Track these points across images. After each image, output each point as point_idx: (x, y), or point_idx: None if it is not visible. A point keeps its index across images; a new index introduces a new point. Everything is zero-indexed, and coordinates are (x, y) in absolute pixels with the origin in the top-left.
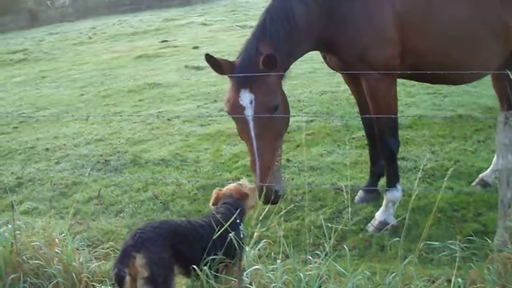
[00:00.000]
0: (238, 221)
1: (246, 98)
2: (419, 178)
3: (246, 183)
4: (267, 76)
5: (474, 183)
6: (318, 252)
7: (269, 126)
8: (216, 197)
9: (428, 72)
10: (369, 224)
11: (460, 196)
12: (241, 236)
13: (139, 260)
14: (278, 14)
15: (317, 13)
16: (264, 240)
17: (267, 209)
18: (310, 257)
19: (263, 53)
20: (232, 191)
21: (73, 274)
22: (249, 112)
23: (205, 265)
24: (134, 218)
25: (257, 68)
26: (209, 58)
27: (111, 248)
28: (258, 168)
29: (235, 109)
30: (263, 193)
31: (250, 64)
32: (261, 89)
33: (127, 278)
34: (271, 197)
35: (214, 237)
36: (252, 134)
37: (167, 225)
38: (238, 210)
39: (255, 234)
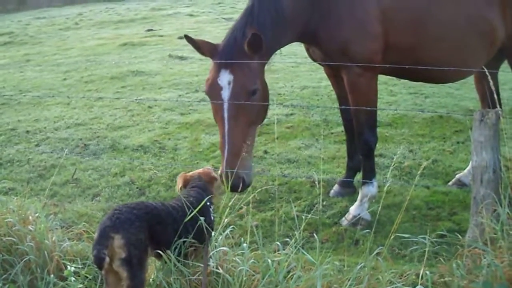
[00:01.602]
0: (208, 204)
1: (225, 78)
2: (396, 176)
3: (211, 170)
4: (250, 60)
5: (450, 183)
6: (287, 239)
7: (244, 110)
8: (185, 181)
9: (407, 66)
10: (343, 218)
11: (436, 195)
12: (211, 219)
13: (118, 241)
14: (266, 1)
15: (303, 3)
16: (232, 226)
17: (236, 197)
18: (278, 243)
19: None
20: (201, 174)
21: (45, 252)
22: (225, 93)
23: (175, 248)
24: (110, 202)
25: (241, 51)
26: (189, 39)
27: (84, 229)
28: (226, 152)
29: (213, 89)
30: (229, 179)
31: (235, 46)
32: (242, 71)
33: (107, 259)
34: (237, 184)
35: (186, 219)
36: (226, 115)
37: (144, 206)
38: (209, 194)
39: (225, 220)
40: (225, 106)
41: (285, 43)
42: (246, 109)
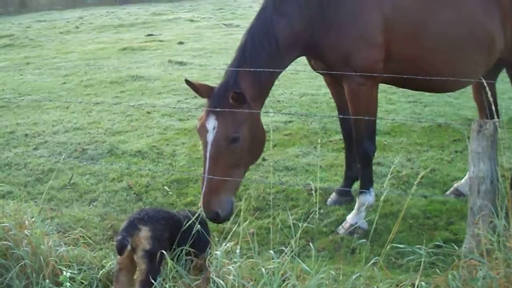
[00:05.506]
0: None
1: (211, 123)
2: (393, 185)
3: None
4: (237, 108)
5: (448, 193)
6: (283, 248)
7: (224, 154)
8: None
9: (404, 76)
10: (340, 227)
11: (434, 204)
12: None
13: (144, 233)
14: (259, 34)
15: (301, 25)
16: (230, 237)
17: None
18: (272, 251)
19: (240, 84)
20: None
21: (41, 257)
22: (210, 136)
23: (178, 256)
24: (107, 208)
25: (228, 99)
26: (188, 83)
27: (81, 234)
28: (203, 189)
29: (201, 130)
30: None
31: (225, 93)
32: (225, 119)
33: (129, 247)
34: (211, 218)
35: (195, 230)
36: (207, 155)
37: (166, 211)
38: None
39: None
40: (208, 147)
41: (287, 66)
42: (226, 154)
